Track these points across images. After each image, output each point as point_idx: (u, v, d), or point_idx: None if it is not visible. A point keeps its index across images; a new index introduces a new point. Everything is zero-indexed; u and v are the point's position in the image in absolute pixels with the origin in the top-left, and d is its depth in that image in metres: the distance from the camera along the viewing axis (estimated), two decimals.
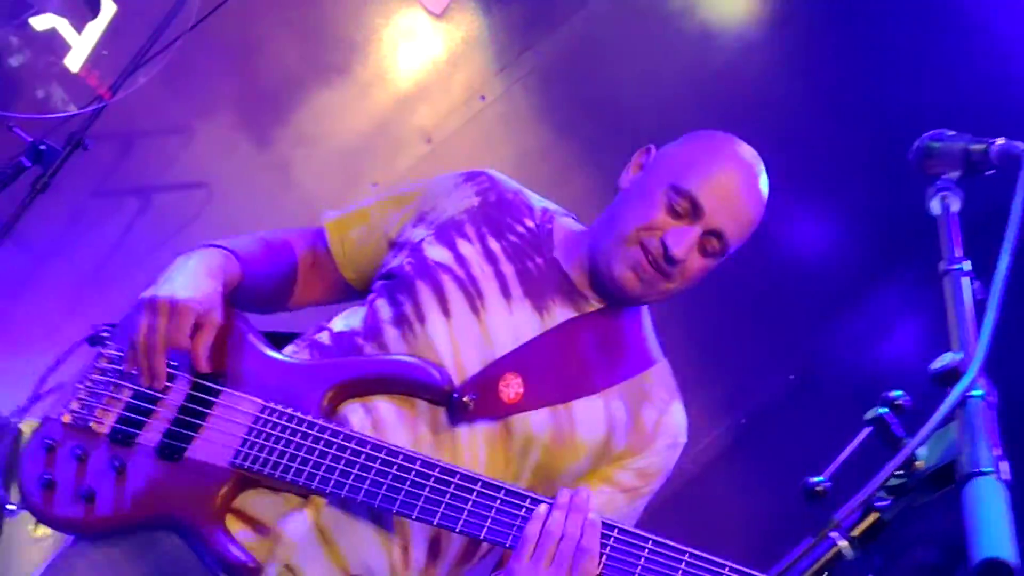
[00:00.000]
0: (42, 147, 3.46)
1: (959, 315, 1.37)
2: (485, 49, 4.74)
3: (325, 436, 2.13)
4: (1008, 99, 4.26)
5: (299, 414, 2.16)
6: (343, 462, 2.10)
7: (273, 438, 2.15)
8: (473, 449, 2.18)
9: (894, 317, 4.88)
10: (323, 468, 2.10)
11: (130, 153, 4.54)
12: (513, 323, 2.25)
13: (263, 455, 2.14)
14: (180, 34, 4.03)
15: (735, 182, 2.25)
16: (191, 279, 2.22)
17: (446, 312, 2.25)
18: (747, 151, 2.29)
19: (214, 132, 4.55)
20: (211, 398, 2.23)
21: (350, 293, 2.52)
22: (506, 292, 2.28)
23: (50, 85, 4.21)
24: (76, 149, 3.50)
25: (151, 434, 2.22)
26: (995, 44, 4.43)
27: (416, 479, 2.05)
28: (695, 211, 2.20)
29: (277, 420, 2.16)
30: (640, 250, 2.21)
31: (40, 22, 4.16)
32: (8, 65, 4.22)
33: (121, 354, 2.27)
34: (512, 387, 2.19)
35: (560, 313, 2.28)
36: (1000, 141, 1.66)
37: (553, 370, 2.22)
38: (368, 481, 2.08)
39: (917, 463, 1.23)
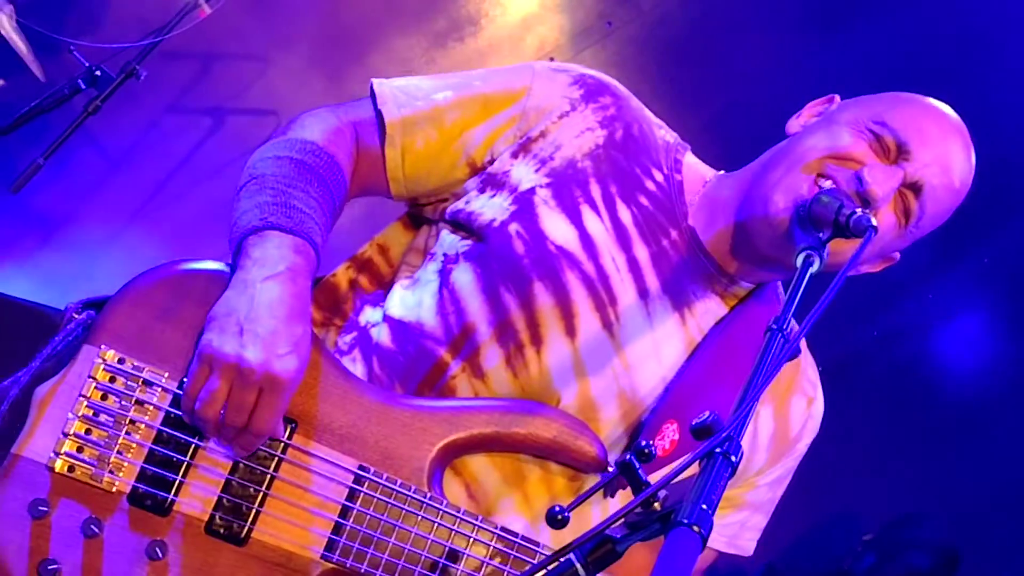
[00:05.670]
0: (97, 72, 3.68)
1: (755, 372, 1.42)
2: (561, 12, 4.85)
3: (438, 520, 1.68)
4: None
5: (400, 487, 1.67)
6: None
7: (370, 521, 1.66)
8: (606, 511, 1.79)
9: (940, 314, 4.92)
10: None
11: (209, 74, 4.76)
12: (654, 338, 1.79)
13: (358, 546, 1.65)
14: None
15: (951, 141, 1.78)
16: (281, 328, 1.59)
17: (571, 331, 1.75)
18: (960, 122, 1.84)
19: (290, 63, 4.75)
20: (277, 453, 1.65)
21: (381, 195, 1.93)
22: (643, 292, 1.79)
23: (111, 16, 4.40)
24: (129, 78, 3.71)
25: (193, 502, 1.63)
26: None
27: None
28: (901, 152, 1.75)
29: (376, 495, 1.66)
30: (815, 179, 1.73)
31: None
32: None
33: (133, 371, 1.65)
34: (667, 438, 1.75)
35: (702, 311, 1.84)
36: (859, 212, 1.63)
37: (707, 400, 1.76)
38: None
39: (655, 504, 1.32)
